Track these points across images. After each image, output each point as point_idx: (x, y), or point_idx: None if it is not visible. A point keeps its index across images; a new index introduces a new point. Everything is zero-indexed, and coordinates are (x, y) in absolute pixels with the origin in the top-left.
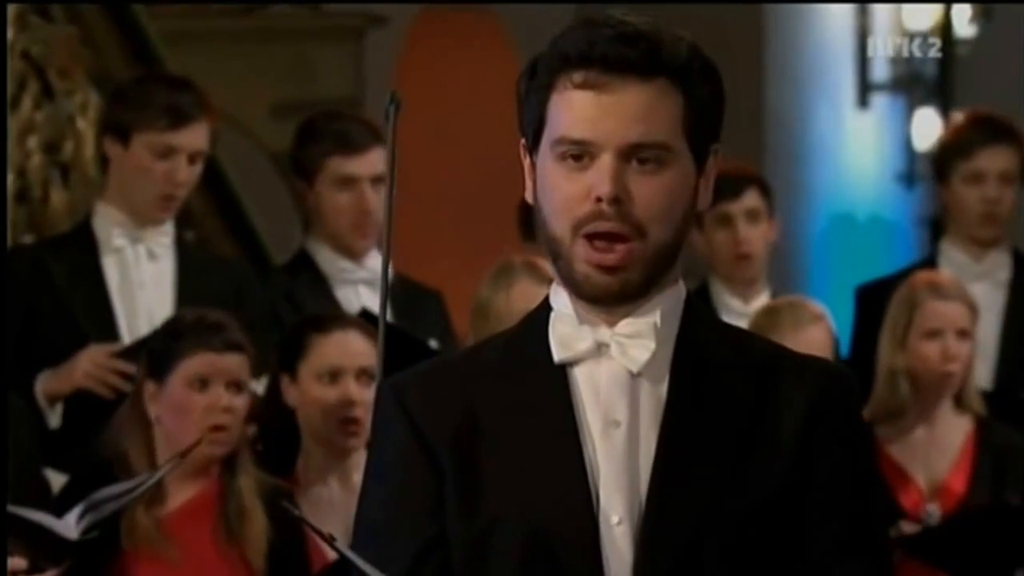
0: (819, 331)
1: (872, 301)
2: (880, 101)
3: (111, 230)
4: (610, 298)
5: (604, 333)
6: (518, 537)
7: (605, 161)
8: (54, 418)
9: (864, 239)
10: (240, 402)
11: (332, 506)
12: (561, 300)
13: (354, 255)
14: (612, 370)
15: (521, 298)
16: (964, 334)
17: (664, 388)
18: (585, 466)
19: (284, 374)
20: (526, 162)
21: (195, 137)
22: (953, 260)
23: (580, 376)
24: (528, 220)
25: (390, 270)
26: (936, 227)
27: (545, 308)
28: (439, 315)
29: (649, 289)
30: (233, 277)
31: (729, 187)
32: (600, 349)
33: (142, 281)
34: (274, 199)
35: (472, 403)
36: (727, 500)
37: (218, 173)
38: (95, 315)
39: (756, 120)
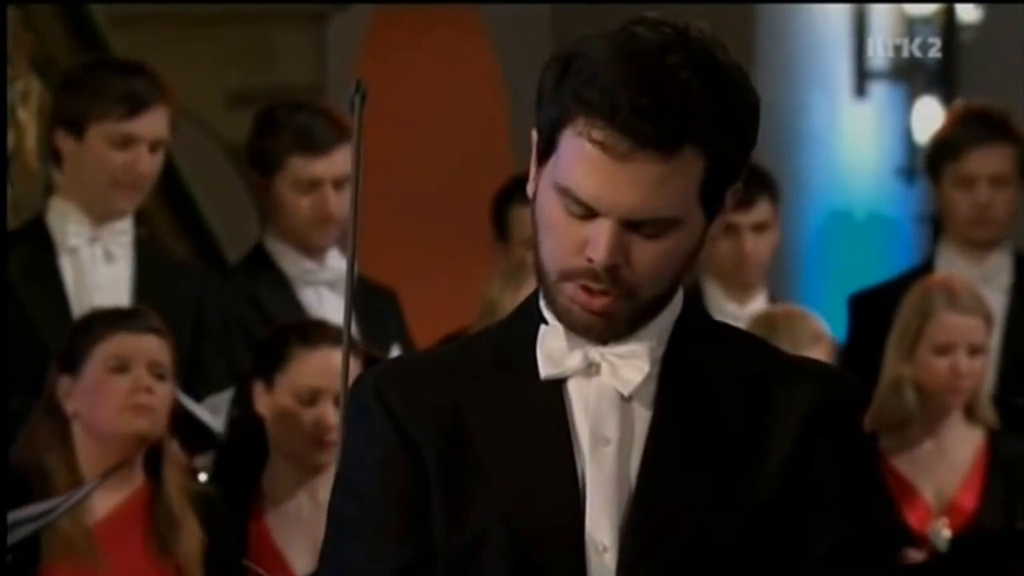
0: (818, 353)
1: (867, 310)
2: (879, 90)
3: (67, 228)
4: (592, 335)
5: (595, 352)
6: (504, 554)
7: (606, 226)
8: None
9: (862, 237)
10: (163, 389)
11: (300, 521)
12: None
13: (314, 253)
14: (602, 386)
15: None
16: (977, 350)
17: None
18: (575, 483)
19: (258, 380)
20: (533, 155)
21: (154, 124)
22: (952, 264)
23: (569, 389)
24: (502, 220)
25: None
26: (938, 225)
27: (536, 307)
28: (396, 316)
29: (638, 326)
30: (194, 284)
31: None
32: (591, 367)
33: (98, 283)
34: (230, 194)
35: (457, 405)
36: (716, 520)
37: (170, 166)
38: (52, 317)
39: None
